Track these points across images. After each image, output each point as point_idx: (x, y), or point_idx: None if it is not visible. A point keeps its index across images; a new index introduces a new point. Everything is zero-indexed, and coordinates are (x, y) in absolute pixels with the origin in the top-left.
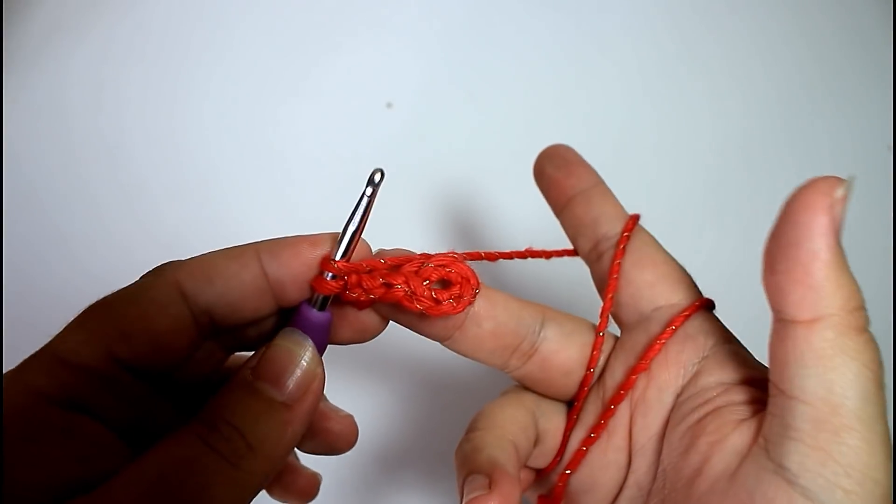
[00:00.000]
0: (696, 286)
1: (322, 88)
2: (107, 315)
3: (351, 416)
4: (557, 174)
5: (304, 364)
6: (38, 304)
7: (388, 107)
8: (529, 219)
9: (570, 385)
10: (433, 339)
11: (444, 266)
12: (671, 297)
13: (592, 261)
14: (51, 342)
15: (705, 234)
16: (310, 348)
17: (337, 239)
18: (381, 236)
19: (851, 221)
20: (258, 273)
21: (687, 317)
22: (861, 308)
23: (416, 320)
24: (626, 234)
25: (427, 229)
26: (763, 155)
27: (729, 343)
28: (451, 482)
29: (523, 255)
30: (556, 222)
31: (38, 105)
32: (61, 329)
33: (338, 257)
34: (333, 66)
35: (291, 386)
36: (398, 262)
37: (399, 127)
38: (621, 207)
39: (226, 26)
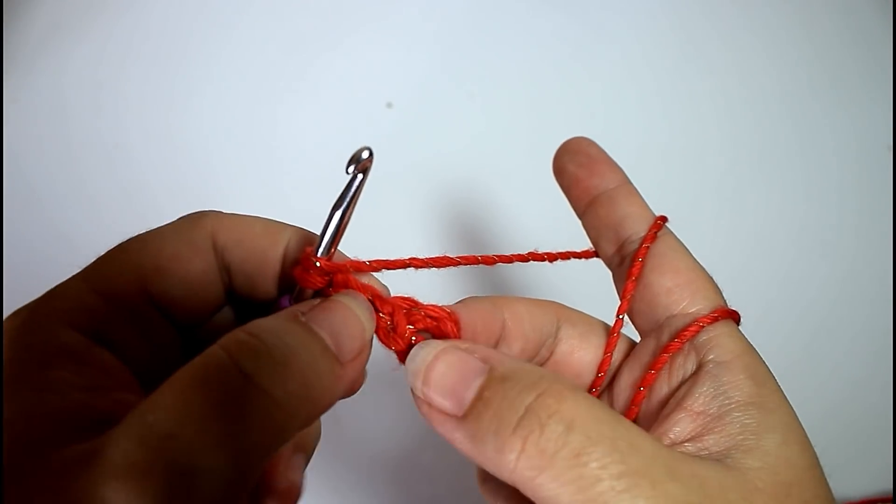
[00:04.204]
0: (720, 296)
1: (322, 88)
2: (144, 249)
3: (299, 488)
4: (580, 172)
5: (365, 331)
6: None
7: (388, 107)
8: (532, 218)
9: (580, 387)
10: None
11: (434, 320)
12: (688, 306)
13: (616, 265)
14: (85, 269)
15: (706, 234)
16: (372, 321)
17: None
18: (380, 236)
19: (852, 221)
20: (279, 257)
21: (699, 329)
22: None
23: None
24: (652, 231)
25: (427, 229)
26: (764, 154)
27: (738, 359)
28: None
29: (524, 258)
30: (560, 223)
31: (38, 105)
32: (96, 258)
33: (321, 251)
34: (333, 65)
35: (347, 346)
36: (383, 267)
37: (399, 127)
38: (648, 209)
39: (225, 26)
